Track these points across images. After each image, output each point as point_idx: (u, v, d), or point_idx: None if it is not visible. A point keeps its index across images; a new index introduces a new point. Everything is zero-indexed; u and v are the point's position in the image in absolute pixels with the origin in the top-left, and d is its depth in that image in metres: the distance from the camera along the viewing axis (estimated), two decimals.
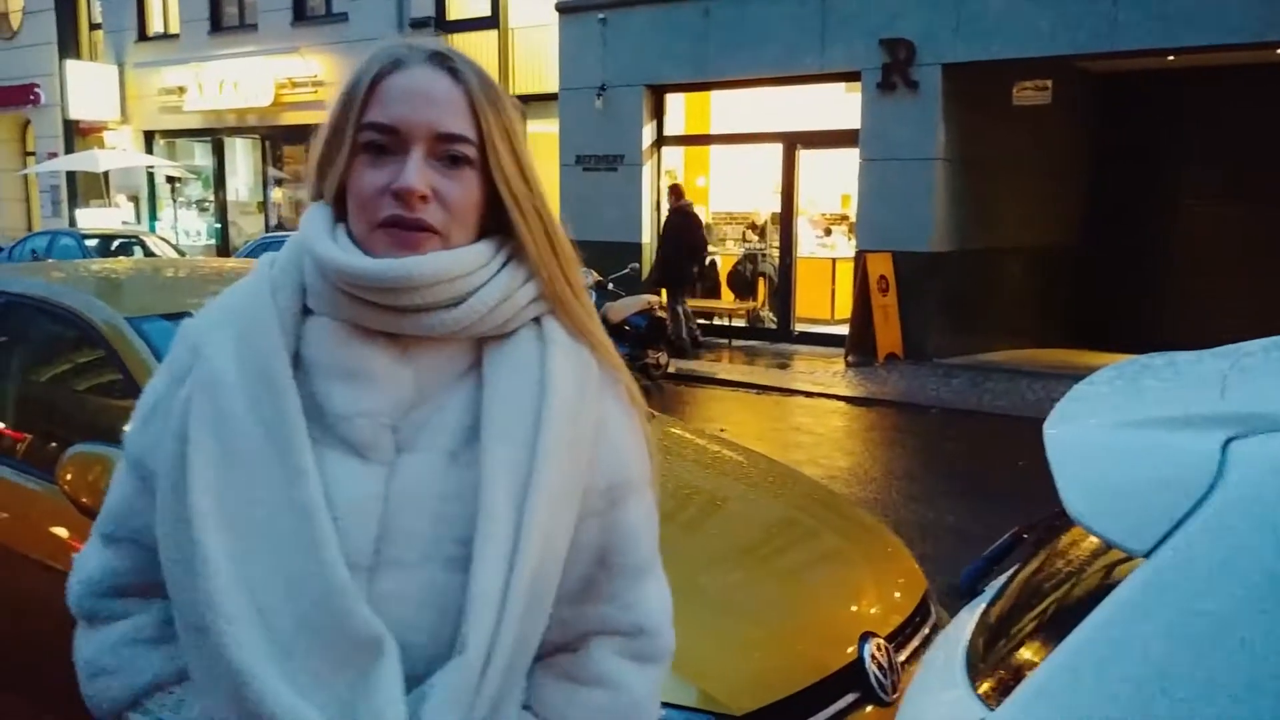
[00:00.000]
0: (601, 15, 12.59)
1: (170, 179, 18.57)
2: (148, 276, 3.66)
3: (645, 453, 1.07)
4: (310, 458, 0.93)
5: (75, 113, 19.26)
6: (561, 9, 13.04)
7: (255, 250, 11.93)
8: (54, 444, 2.79)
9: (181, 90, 18.24)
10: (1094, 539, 1.32)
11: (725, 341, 12.42)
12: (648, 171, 12.77)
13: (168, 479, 0.95)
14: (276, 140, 18.03)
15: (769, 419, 8.59)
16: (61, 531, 2.49)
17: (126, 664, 1.04)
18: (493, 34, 14.20)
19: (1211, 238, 11.71)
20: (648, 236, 12.85)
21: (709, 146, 13.80)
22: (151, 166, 18.78)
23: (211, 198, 19.31)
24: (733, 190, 13.85)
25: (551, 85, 13.34)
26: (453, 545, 0.95)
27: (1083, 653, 1.08)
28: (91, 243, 13.37)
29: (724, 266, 13.27)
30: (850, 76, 11.14)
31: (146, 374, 2.44)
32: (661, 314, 9.94)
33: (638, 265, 11.49)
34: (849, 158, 11.42)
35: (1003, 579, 1.64)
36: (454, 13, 14.88)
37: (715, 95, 13.10)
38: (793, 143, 12.07)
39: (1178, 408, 1.22)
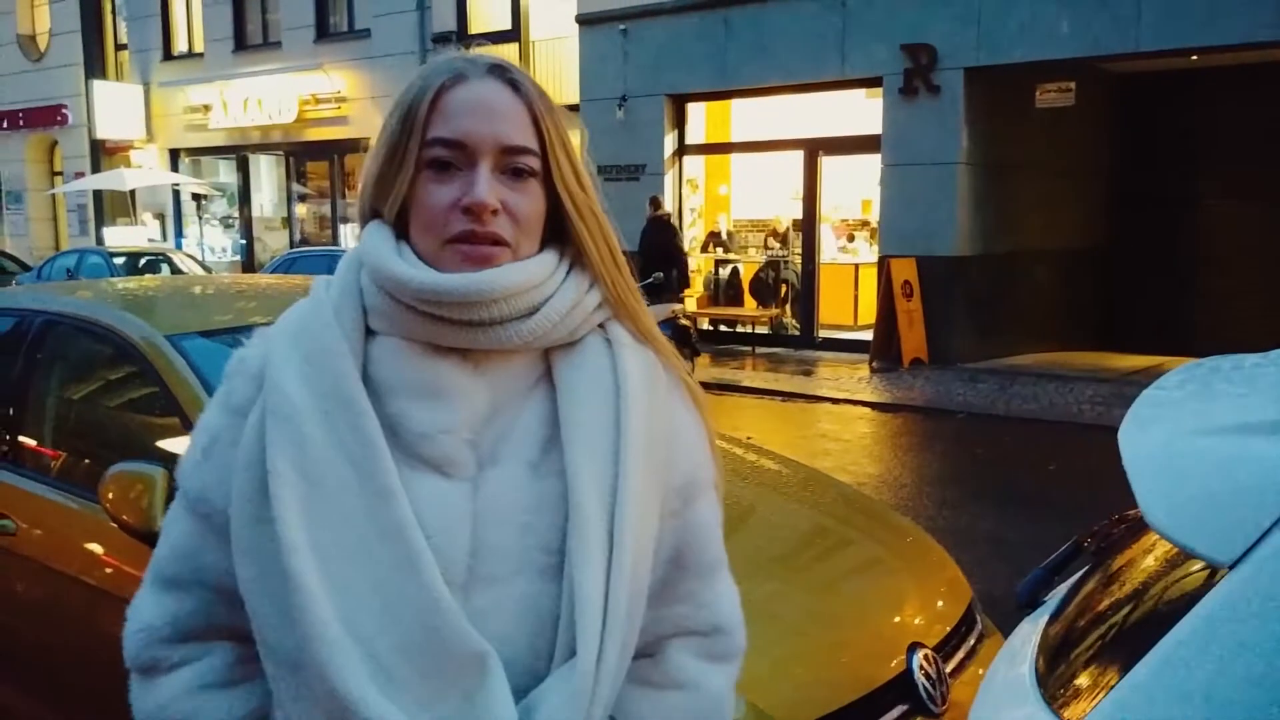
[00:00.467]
0: (622, 26, 12.63)
1: (196, 196, 18.76)
2: (184, 293, 3.68)
3: (710, 453, 1.08)
4: (396, 478, 0.92)
5: (102, 132, 19.51)
6: (582, 20, 13.09)
7: (281, 266, 12.01)
8: (90, 461, 2.80)
9: (206, 108, 18.44)
10: (1165, 548, 1.28)
11: (748, 349, 12.38)
12: (670, 181, 12.78)
13: (245, 512, 0.93)
14: (300, 157, 18.19)
15: (795, 426, 8.54)
16: (100, 549, 2.50)
17: (199, 711, 1.01)
18: (514, 46, 14.27)
19: (1235, 237, 11.59)
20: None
21: (730, 155, 13.78)
22: (177, 184, 18.99)
23: (236, 214, 19.49)
24: (755, 198, 13.82)
25: (573, 96, 13.38)
26: (542, 555, 0.94)
27: (1166, 667, 1.04)
28: (119, 261, 13.50)
29: (746, 274, 13.25)
30: (871, 82, 11.11)
31: (185, 391, 2.44)
32: (686, 322, 9.92)
33: (662, 274, 11.48)
34: (871, 163, 11.38)
35: (1064, 589, 1.61)
36: (475, 26, 14.96)
37: (736, 104, 13.09)
38: (814, 149, 12.03)
39: (1257, 413, 1.19)
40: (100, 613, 2.42)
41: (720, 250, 13.37)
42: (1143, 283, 12.04)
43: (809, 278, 12.29)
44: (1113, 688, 1.08)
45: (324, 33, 17.07)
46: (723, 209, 13.75)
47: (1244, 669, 1.00)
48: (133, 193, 17.87)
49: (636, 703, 1.03)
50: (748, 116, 13.27)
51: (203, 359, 2.50)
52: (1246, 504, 1.07)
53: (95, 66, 20.37)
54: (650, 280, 10.71)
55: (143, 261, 13.77)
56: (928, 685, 2.06)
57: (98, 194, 19.83)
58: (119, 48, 20.67)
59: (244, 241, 19.16)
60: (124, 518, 2.18)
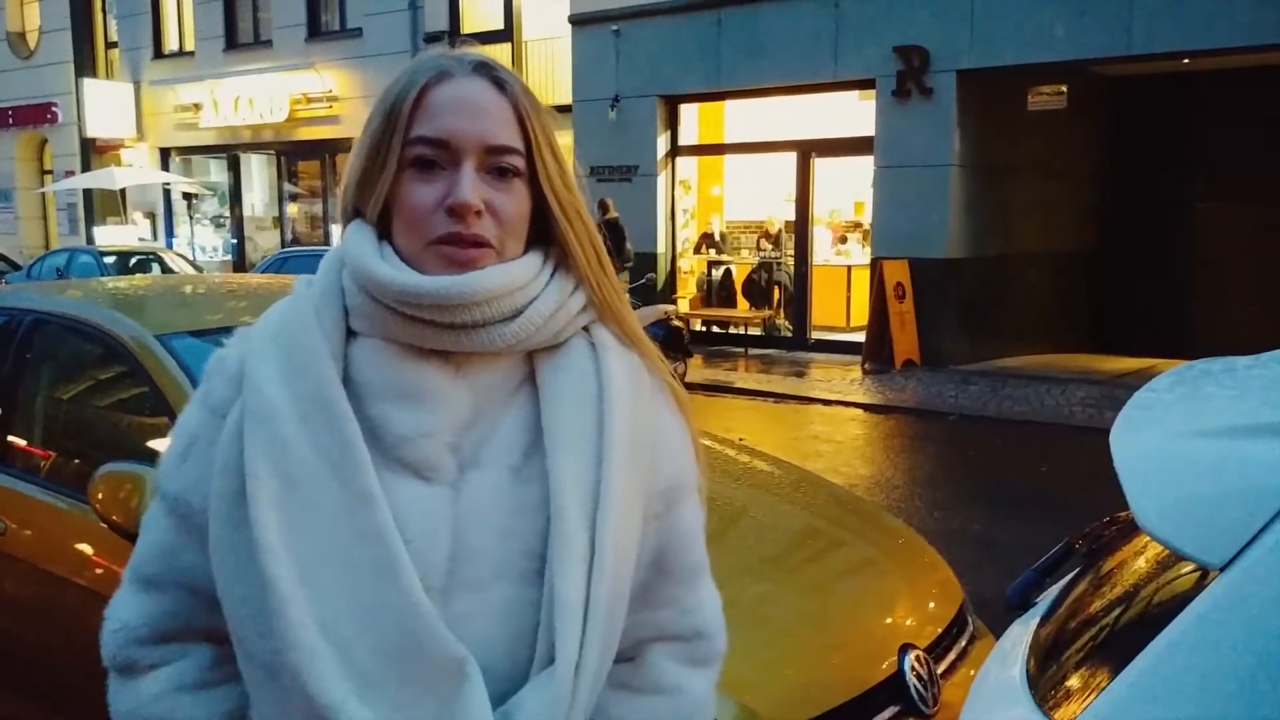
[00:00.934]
0: (615, 27, 12.62)
1: (186, 196, 18.69)
2: (173, 293, 3.66)
3: (694, 457, 1.07)
4: (375, 482, 0.90)
5: (92, 131, 19.42)
6: (575, 21, 13.08)
7: (272, 265, 11.97)
8: (79, 461, 2.79)
9: (197, 107, 18.37)
10: (1156, 550, 1.28)
11: (741, 350, 12.39)
12: (662, 182, 12.78)
13: (222, 514, 0.92)
14: (292, 156, 18.14)
15: (787, 427, 8.55)
16: (89, 549, 2.49)
17: (174, 713, 1.00)
18: (506, 47, 14.26)
19: (1228, 240, 11.63)
20: (663, 246, 12.85)
21: (723, 156, 13.79)
22: (168, 183, 18.91)
23: (227, 214, 19.42)
24: (747, 199, 13.83)
25: (565, 97, 13.37)
26: (523, 560, 0.93)
27: (1157, 669, 1.05)
28: (109, 260, 13.44)
29: (739, 275, 13.25)
30: (864, 84, 11.13)
31: (175, 390, 2.43)
32: (678, 323, 9.92)
33: (653, 275, 11.49)
34: (864, 165, 11.40)
35: (1055, 591, 1.61)
36: (468, 26, 14.94)
37: (729, 105, 13.10)
38: (807, 151, 12.05)
39: (1248, 416, 1.19)
40: (90, 613, 2.40)
41: (713, 251, 13.38)
42: (1135, 285, 12.08)
43: (801, 279, 12.31)
44: (1104, 689, 1.08)
45: (315, 32, 17.02)
46: (716, 210, 13.76)
47: (1235, 671, 1.00)
48: (123, 192, 17.79)
49: (617, 707, 1.02)
50: (741, 118, 13.28)
51: (192, 359, 2.49)
52: (1238, 506, 1.07)
53: (85, 64, 20.29)
54: (642, 281, 10.73)
55: (133, 261, 13.71)
56: (919, 686, 2.06)
57: (88, 193, 19.74)
58: (109, 46, 20.59)
59: (235, 241, 19.10)
60: (113, 518, 2.17)
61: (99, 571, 2.42)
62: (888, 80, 10.75)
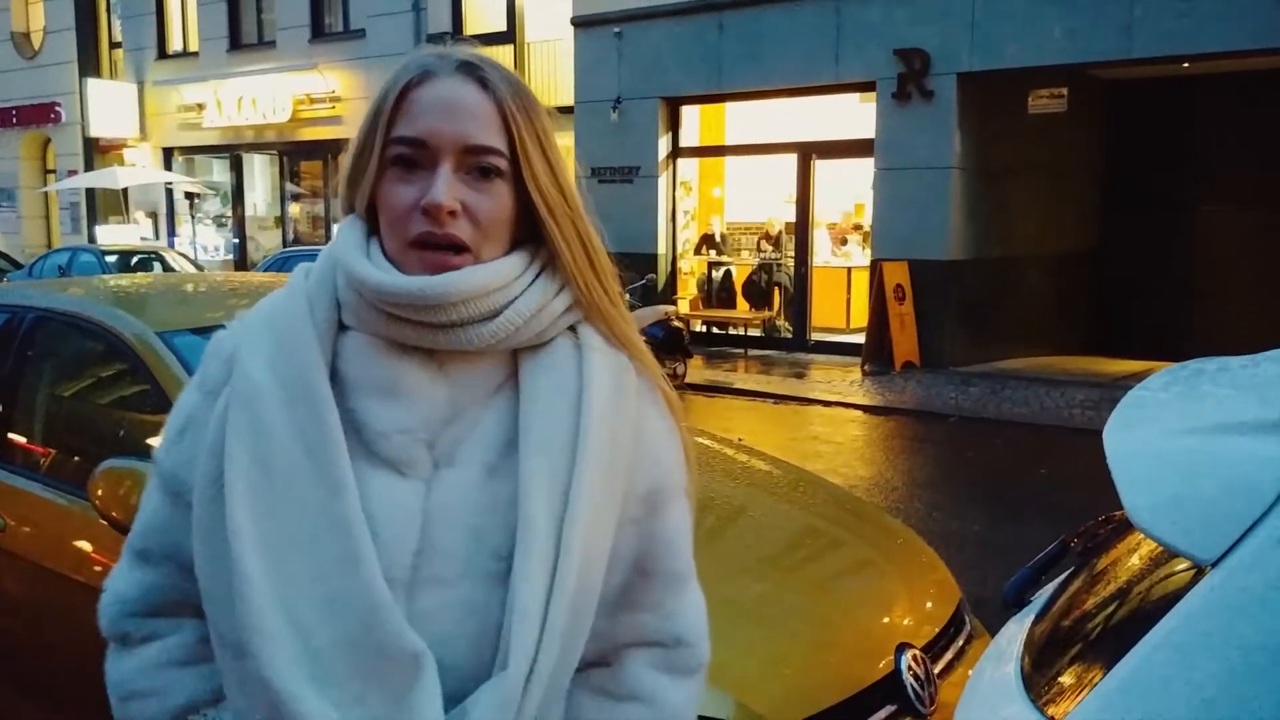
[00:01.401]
0: (617, 29, 12.64)
1: (189, 195, 18.71)
2: (176, 291, 3.67)
3: (683, 461, 1.06)
4: (350, 473, 0.91)
5: (95, 130, 19.46)
6: (577, 23, 13.10)
7: (274, 265, 11.99)
8: (80, 458, 2.79)
9: (200, 107, 18.40)
10: (1150, 547, 1.29)
11: (741, 351, 12.40)
12: (663, 183, 12.79)
13: (203, 494, 0.94)
14: (294, 156, 18.16)
15: (787, 428, 8.55)
16: (89, 546, 2.49)
17: (161, 686, 1.02)
18: (509, 48, 14.28)
19: (1228, 243, 11.64)
20: (663, 247, 12.86)
21: (724, 157, 13.81)
22: (170, 183, 18.93)
23: (230, 213, 19.44)
24: (748, 200, 13.85)
25: (567, 98, 13.38)
26: (492, 560, 0.93)
27: (1150, 664, 1.05)
28: (111, 259, 13.46)
29: (739, 276, 13.27)
30: (865, 87, 11.14)
31: (176, 388, 2.44)
32: (678, 324, 9.93)
33: (654, 276, 11.51)
34: (864, 167, 11.41)
35: (1050, 589, 1.62)
36: (471, 28, 14.96)
37: (730, 106, 13.12)
38: (808, 153, 12.06)
39: (1241, 414, 1.20)
40: (89, 610, 2.41)
41: (713, 253, 13.40)
42: (1135, 288, 12.08)
43: (802, 281, 12.32)
44: (1097, 685, 1.09)
45: (319, 33, 17.05)
46: (716, 211, 13.77)
47: (1226, 665, 1.01)
48: (125, 191, 17.81)
49: (593, 712, 1.01)
50: (742, 119, 13.29)
51: (194, 356, 2.49)
52: (1229, 502, 1.08)
53: (89, 64, 20.32)
54: (643, 282, 10.74)
55: (135, 260, 13.73)
56: (916, 686, 2.07)
57: (90, 192, 19.77)
58: (113, 46, 20.62)
59: (237, 241, 19.13)
60: (113, 514, 2.17)
61: (98, 569, 2.43)
62: (888, 83, 10.76)
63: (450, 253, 0.94)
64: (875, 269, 10.85)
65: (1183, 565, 1.14)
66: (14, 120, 21.47)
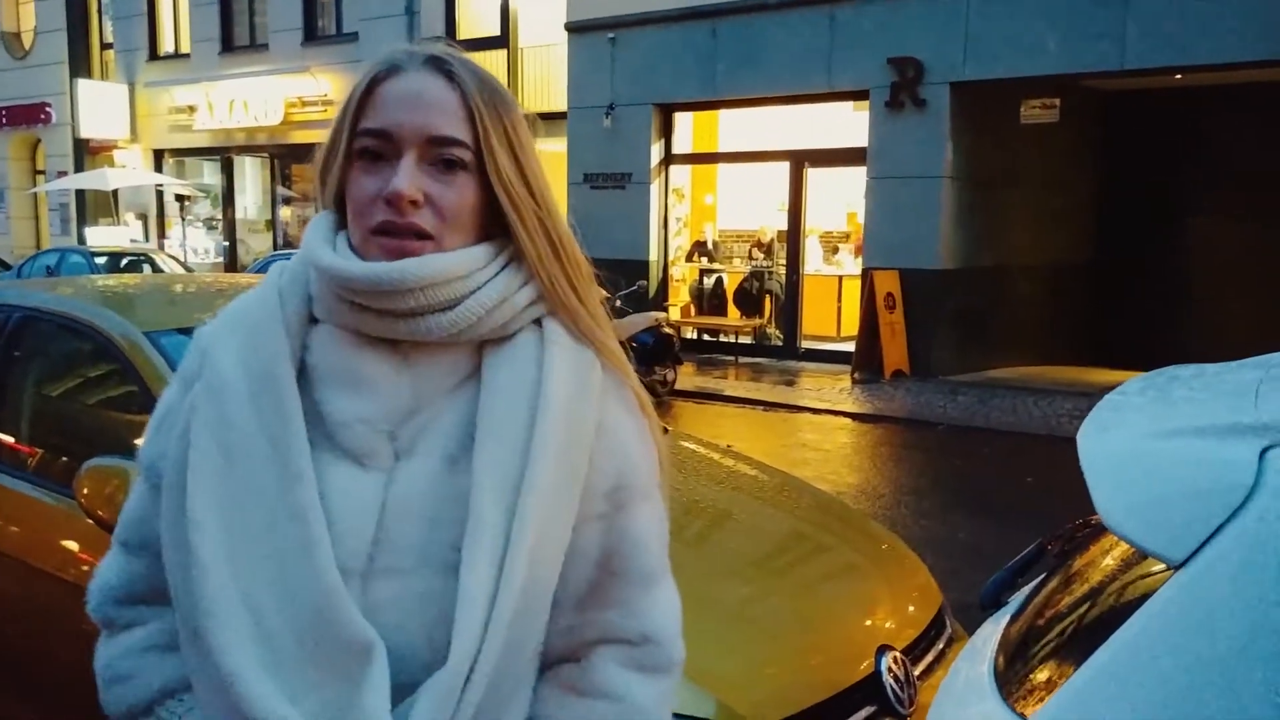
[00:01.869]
0: (610, 35, 12.67)
1: (179, 197, 18.67)
2: (163, 291, 3.67)
3: (653, 458, 1.05)
4: (308, 462, 0.93)
5: (86, 131, 19.41)
6: (571, 28, 13.13)
7: (264, 268, 11.98)
8: (69, 458, 2.79)
9: (191, 109, 18.37)
10: (1123, 549, 1.31)
11: (731, 358, 12.43)
12: (655, 190, 12.82)
13: (169, 482, 0.96)
14: (285, 159, 18.14)
15: (776, 435, 8.57)
16: (75, 545, 2.49)
17: (140, 671, 1.04)
18: (502, 53, 14.30)
19: (1219, 255, 11.71)
20: (655, 254, 12.89)
21: (716, 165, 13.85)
22: (161, 185, 18.89)
23: (220, 216, 19.40)
24: (740, 208, 13.89)
25: (560, 104, 13.41)
26: (449, 551, 0.93)
27: (1117, 662, 1.07)
28: (100, 260, 13.42)
29: (731, 284, 13.30)
30: (858, 95, 11.19)
31: (163, 387, 2.43)
32: (669, 331, 9.95)
33: (645, 283, 11.53)
34: (856, 176, 11.46)
35: (1027, 590, 1.64)
36: (464, 32, 14.98)
37: (723, 114, 13.16)
38: (800, 161, 12.11)
39: (1212, 417, 1.22)
40: (76, 608, 2.41)
41: (705, 260, 13.42)
42: (1125, 298, 12.14)
43: (793, 288, 12.35)
44: (1066, 682, 1.11)
45: (311, 35, 17.05)
46: (708, 219, 13.80)
47: (1191, 664, 1.02)
48: (115, 193, 17.78)
49: (561, 709, 1.01)
50: (734, 127, 13.34)
51: (180, 356, 2.49)
52: (1198, 504, 1.09)
53: (80, 65, 20.27)
54: (634, 289, 10.76)
55: (124, 262, 13.69)
56: (895, 687, 2.08)
57: (80, 193, 19.71)
58: (104, 47, 20.58)
59: (227, 243, 19.08)
60: (99, 513, 2.18)
61: (85, 568, 2.43)
62: (881, 91, 10.81)
63: (411, 239, 0.95)
64: (866, 277, 10.89)
65: (1154, 566, 1.16)
66: (3, 121, 21.40)
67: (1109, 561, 1.36)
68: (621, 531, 1.00)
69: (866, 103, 11.04)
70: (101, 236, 17.12)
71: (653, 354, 9.57)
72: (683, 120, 13.07)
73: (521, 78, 14.49)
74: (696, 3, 11.91)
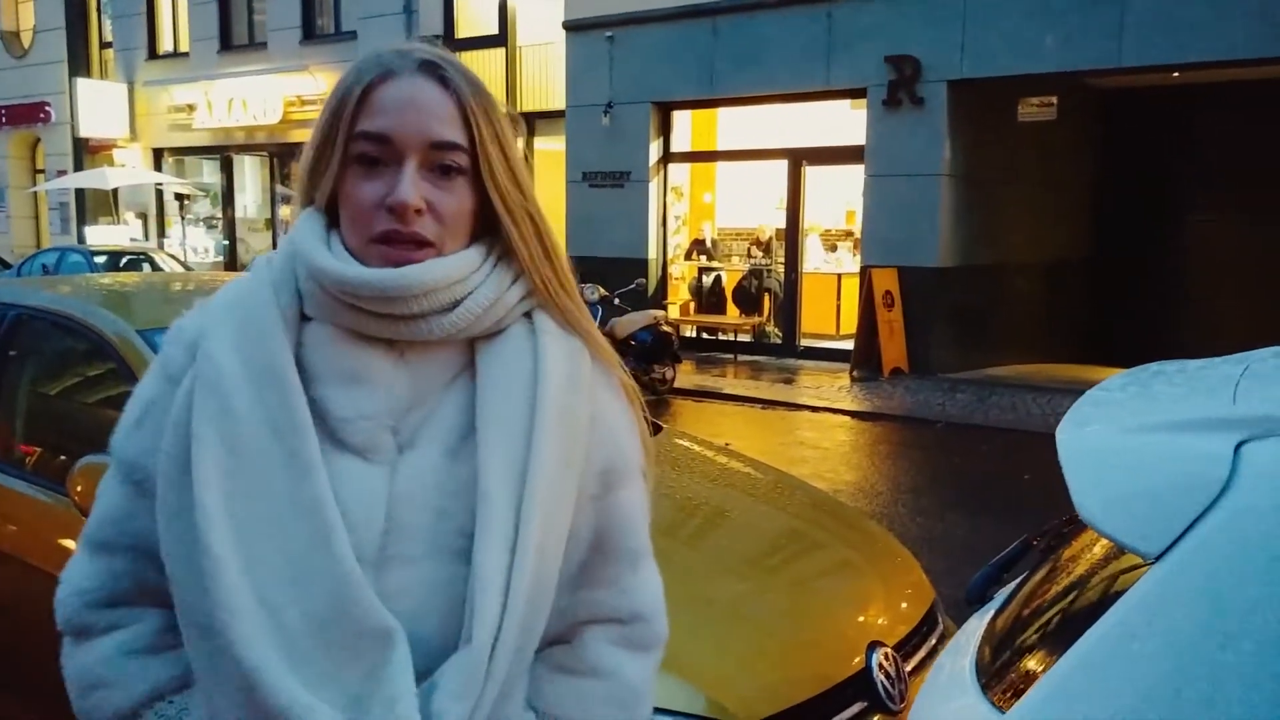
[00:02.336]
0: (609, 33, 12.67)
1: (179, 196, 18.68)
2: (158, 289, 3.68)
3: (639, 441, 1.09)
4: (319, 455, 0.93)
5: (85, 130, 19.41)
6: (569, 26, 13.13)
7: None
8: (64, 456, 2.80)
9: (191, 108, 18.37)
10: (1104, 544, 1.32)
11: (730, 356, 12.43)
12: (654, 188, 12.82)
13: (168, 477, 0.95)
14: (285, 158, 18.14)
15: (774, 433, 8.58)
16: (70, 543, 2.50)
17: (124, 675, 1.02)
18: (501, 51, 14.30)
19: (1217, 252, 11.72)
20: (654, 252, 12.89)
21: (715, 163, 13.85)
22: (160, 184, 18.89)
23: (220, 215, 19.41)
24: (738, 206, 13.89)
25: (559, 102, 13.41)
26: (457, 538, 0.96)
27: (1093, 655, 1.08)
28: (100, 259, 13.42)
29: (729, 282, 13.30)
30: (856, 93, 11.19)
31: None
32: (668, 329, 9.96)
33: (644, 281, 11.54)
34: (854, 174, 11.46)
35: (1011, 586, 1.65)
36: (462, 31, 14.99)
37: (722, 112, 13.16)
38: (798, 159, 12.11)
39: (1190, 412, 1.22)
40: None
41: (704, 258, 13.43)
42: (1124, 296, 12.16)
43: (791, 286, 12.36)
44: (1043, 676, 1.12)
45: (310, 34, 17.05)
46: (707, 217, 13.81)
47: (1166, 657, 1.03)
48: (115, 192, 17.80)
49: (554, 688, 1.04)
50: (733, 125, 13.34)
51: None
52: (1174, 498, 1.10)
53: (79, 64, 20.28)
54: (632, 287, 10.76)
55: (124, 261, 13.69)
56: (886, 683, 2.09)
57: (80, 192, 19.72)
58: (104, 46, 20.58)
59: (227, 242, 19.09)
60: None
61: None
62: (879, 89, 10.81)
63: (413, 248, 0.97)
64: (865, 275, 10.89)
65: (1134, 560, 1.17)
66: (3, 120, 21.41)
67: (1090, 556, 1.37)
68: (611, 513, 1.04)
69: (864, 101, 11.04)
70: (101, 236, 17.14)
71: (651, 352, 9.58)
72: (681, 118, 13.07)
73: (520, 76, 14.49)
74: (695, 1, 11.91)
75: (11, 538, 2.69)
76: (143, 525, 1.00)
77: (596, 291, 10.07)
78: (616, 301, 10.25)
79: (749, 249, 13.37)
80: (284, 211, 18.52)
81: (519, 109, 13.93)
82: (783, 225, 12.53)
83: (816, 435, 8.39)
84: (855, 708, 2.03)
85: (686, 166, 13.43)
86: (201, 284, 3.82)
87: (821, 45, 11.20)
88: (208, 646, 0.91)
